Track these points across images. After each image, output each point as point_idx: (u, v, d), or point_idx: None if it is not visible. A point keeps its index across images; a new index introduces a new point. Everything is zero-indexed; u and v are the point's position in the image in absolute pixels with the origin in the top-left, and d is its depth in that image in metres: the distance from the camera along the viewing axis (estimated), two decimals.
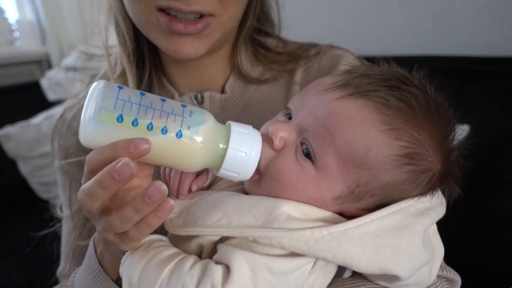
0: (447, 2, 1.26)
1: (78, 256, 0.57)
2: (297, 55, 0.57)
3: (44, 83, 1.77)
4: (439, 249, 0.40)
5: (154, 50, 0.56)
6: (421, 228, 0.36)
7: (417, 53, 1.24)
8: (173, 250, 0.37)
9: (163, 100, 0.36)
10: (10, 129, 1.52)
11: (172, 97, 0.55)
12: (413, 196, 0.37)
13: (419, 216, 0.36)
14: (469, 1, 1.20)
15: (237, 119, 0.54)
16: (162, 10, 0.47)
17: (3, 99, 1.65)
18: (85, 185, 0.34)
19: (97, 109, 0.34)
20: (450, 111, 0.39)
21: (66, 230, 0.62)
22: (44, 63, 2.03)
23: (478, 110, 0.95)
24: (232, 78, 0.56)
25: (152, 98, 0.36)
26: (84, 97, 0.56)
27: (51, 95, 1.75)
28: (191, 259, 0.36)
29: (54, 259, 1.04)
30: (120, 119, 0.34)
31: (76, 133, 0.57)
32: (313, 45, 0.59)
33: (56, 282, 0.67)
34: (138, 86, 0.53)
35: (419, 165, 0.36)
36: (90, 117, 0.34)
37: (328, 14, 1.59)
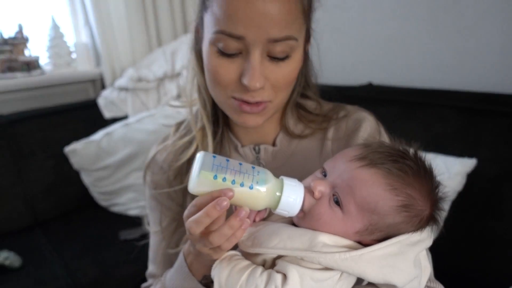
0: (465, 41, 1.40)
1: (166, 261, 0.76)
2: (329, 117, 0.73)
3: (101, 102, 1.97)
4: (427, 268, 0.56)
5: (226, 115, 0.73)
6: (413, 254, 0.53)
7: (436, 86, 1.39)
8: (247, 262, 0.56)
9: (240, 164, 0.54)
10: (76, 145, 1.71)
11: (236, 147, 0.73)
12: (408, 232, 0.54)
13: (412, 245, 0.53)
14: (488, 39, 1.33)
15: (284, 166, 0.71)
16: (237, 98, 0.64)
17: (67, 116, 1.86)
18: (194, 217, 0.52)
19: (199, 169, 0.52)
20: (435, 174, 0.56)
21: (155, 241, 0.79)
22: (97, 82, 2.23)
23: (485, 145, 1.09)
24: (281, 134, 0.73)
25: (233, 162, 0.54)
26: (172, 144, 0.75)
27: (107, 113, 1.95)
28: (260, 268, 0.54)
29: (121, 260, 1.26)
30: (215, 177, 0.52)
31: (165, 172, 0.76)
32: (342, 108, 0.75)
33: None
34: (213, 137, 0.72)
35: (412, 212, 0.53)
36: (196, 175, 0.52)
37: (354, 46, 1.74)
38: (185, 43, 2.06)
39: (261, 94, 0.62)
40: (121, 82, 2.02)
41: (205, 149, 0.71)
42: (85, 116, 1.90)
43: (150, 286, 0.77)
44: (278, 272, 0.53)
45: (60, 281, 1.28)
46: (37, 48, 2.10)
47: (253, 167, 0.54)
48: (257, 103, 0.63)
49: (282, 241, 0.54)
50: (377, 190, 0.52)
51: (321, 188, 0.54)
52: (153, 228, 0.79)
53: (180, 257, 0.64)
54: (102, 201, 1.78)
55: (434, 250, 0.96)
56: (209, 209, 0.50)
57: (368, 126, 0.70)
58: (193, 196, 0.57)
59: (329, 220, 0.54)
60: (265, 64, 0.61)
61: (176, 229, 0.76)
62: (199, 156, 0.53)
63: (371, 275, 0.51)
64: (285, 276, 0.51)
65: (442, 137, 1.17)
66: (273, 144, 0.73)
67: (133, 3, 2.09)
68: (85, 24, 2.19)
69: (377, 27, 1.62)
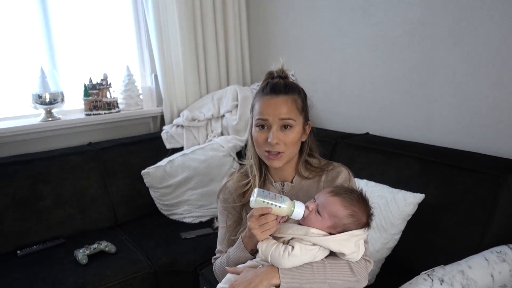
0: (431, 109, 1.95)
1: (229, 244, 1.31)
2: (323, 169, 1.29)
3: (163, 135, 2.56)
4: (362, 250, 1.11)
5: (265, 163, 1.30)
6: (354, 240, 1.08)
7: (411, 139, 1.94)
8: (275, 241, 1.13)
9: (275, 195, 1.11)
10: (149, 169, 2.28)
11: (271, 182, 1.30)
12: (354, 229, 1.10)
13: (355, 236, 1.09)
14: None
15: (296, 194, 1.25)
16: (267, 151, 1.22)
17: (139, 146, 2.45)
18: (253, 222, 1.10)
19: (256, 197, 1.10)
20: (368, 202, 1.13)
21: (222, 232, 1.35)
22: (156, 119, 2.80)
23: (432, 185, 1.63)
24: (296, 177, 1.29)
25: (272, 194, 1.11)
26: (236, 177, 1.34)
27: (168, 145, 2.52)
28: (281, 244, 1.11)
29: (184, 251, 1.83)
30: (263, 201, 1.10)
31: (231, 194, 1.33)
32: (331, 163, 1.29)
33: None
34: (259, 179, 1.29)
35: (355, 218, 1.09)
36: (254, 199, 1.10)
37: (356, 104, 2.29)
38: (229, 92, 2.67)
39: (278, 148, 1.19)
40: (178, 120, 2.59)
41: (255, 185, 1.29)
42: (151, 146, 2.49)
43: (218, 258, 1.34)
44: (290, 245, 1.10)
45: (143, 262, 1.86)
46: (115, 91, 2.67)
47: (281, 196, 1.12)
48: (277, 154, 1.20)
49: (293, 230, 1.11)
50: (337, 206, 1.09)
51: (312, 206, 1.11)
52: (221, 225, 1.36)
53: (239, 240, 1.22)
54: (164, 211, 2.33)
55: (396, 250, 1.53)
56: (261, 218, 1.09)
57: (343, 176, 1.27)
58: (249, 209, 1.16)
59: (314, 221, 1.10)
60: (279, 132, 1.19)
61: (235, 226, 1.33)
62: (256, 190, 1.11)
63: (333, 248, 1.08)
64: (293, 247, 1.09)
65: (406, 178, 1.71)
66: (291, 182, 1.31)
67: (189, 58, 2.66)
68: (151, 72, 2.83)
69: (372, 92, 2.19)
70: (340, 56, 2.30)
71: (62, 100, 2.43)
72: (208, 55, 2.77)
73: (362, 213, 1.11)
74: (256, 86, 2.75)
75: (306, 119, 1.26)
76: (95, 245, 1.88)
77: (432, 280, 1.23)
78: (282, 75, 1.26)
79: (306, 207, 1.11)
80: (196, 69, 2.75)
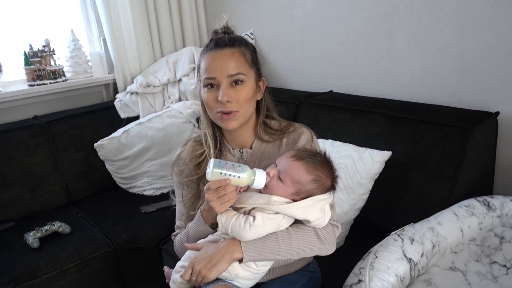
0: (394, 60, 1.87)
1: (187, 219, 1.22)
2: (284, 131, 1.19)
3: (116, 104, 2.39)
4: (328, 214, 1.04)
5: (220, 130, 1.20)
6: (319, 205, 1.01)
7: (376, 95, 1.87)
8: (235, 212, 1.03)
9: (233, 164, 1.01)
10: (102, 141, 2.13)
11: (229, 149, 1.19)
12: (318, 194, 1.02)
13: (320, 201, 1.01)
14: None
15: (257, 160, 1.16)
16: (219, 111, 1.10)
17: (90, 117, 2.27)
18: (210, 194, 0.99)
19: (212, 168, 0.99)
20: (333, 164, 1.04)
21: (179, 207, 1.25)
22: (108, 86, 2.61)
23: (399, 142, 1.58)
24: (256, 141, 1.18)
25: (229, 163, 1.00)
26: (190, 147, 1.22)
27: (122, 114, 2.36)
28: (242, 214, 1.01)
29: (144, 226, 1.72)
30: (220, 173, 0.99)
31: (186, 165, 1.22)
32: (292, 125, 1.19)
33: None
34: (214, 149, 1.18)
35: (320, 183, 1.01)
36: (210, 171, 0.99)
37: (319, 61, 2.19)
38: (185, 54, 2.50)
39: (230, 106, 1.08)
40: (132, 87, 2.42)
41: (210, 155, 1.18)
42: (105, 116, 2.32)
43: (178, 234, 1.24)
44: (251, 215, 1.01)
45: (101, 241, 1.74)
46: (60, 58, 2.45)
47: (240, 165, 1.01)
48: (229, 113, 1.09)
49: (253, 200, 1.02)
50: (300, 171, 1.00)
51: (273, 172, 1.02)
52: (178, 199, 1.25)
53: (198, 213, 1.12)
54: (123, 185, 2.21)
55: (364, 210, 1.48)
56: (219, 189, 0.98)
57: (305, 137, 1.18)
58: (206, 181, 1.04)
59: (276, 188, 1.01)
60: (229, 89, 1.08)
61: (194, 200, 1.23)
62: (212, 161, 1.00)
63: (297, 216, 1.00)
64: (254, 218, 1.00)
65: (374, 136, 1.64)
66: (250, 148, 1.21)
67: (139, 18, 2.44)
68: (99, 36, 2.60)
69: (335, 47, 2.08)
70: (300, 10, 2.17)
71: (0, 70, 2.20)
72: (160, 15, 2.56)
73: (326, 177, 1.02)
74: None
75: (258, 75, 1.15)
76: (46, 227, 1.75)
77: (403, 240, 1.18)
78: (227, 31, 1.15)
79: (267, 174, 1.02)
80: (148, 31, 2.54)
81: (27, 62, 2.32)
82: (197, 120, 2.36)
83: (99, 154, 2.17)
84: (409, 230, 1.23)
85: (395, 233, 1.23)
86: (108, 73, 2.58)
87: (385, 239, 1.21)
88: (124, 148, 2.16)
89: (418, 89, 1.79)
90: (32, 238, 1.69)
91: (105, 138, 2.16)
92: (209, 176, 1.00)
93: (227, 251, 1.01)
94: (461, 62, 1.63)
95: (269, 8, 2.33)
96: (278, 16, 2.29)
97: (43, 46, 2.37)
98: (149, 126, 2.21)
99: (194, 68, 2.45)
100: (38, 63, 2.34)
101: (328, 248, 1.06)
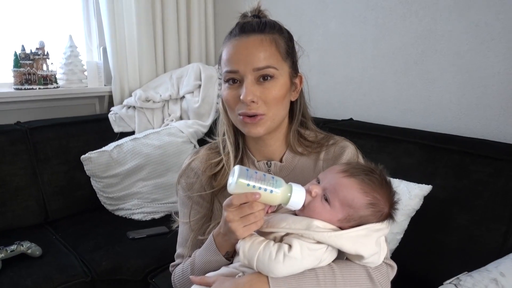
0: (430, 92, 1.69)
1: (193, 245, 0.96)
2: (322, 144, 0.97)
3: (110, 117, 2.16)
4: (384, 249, 0.81)
5: (243, 137, 0.97)
6: (375, 237, 0.77)
7: (405, 126, 1.67)
8: (262, 238, 0.79)
9: (264, 175, 0.78)
10: (91, 154, 1.89)
11: (253, 161, 0.96)
12: (373, 222, 0.79)
13: (375, 231, 0.78)
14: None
15: (288, 177, 0.93)
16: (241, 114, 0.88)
17: (80, 128, 2.03)
18: (231, 212, 0.75)
19: (237, 178, 0.75)
20: (392, 186, 0.82)
21: (184, 230, 1.00)
22: (102, 99, 2.40)
23: (439, 175, 1.37)
24: (287, 153, 0.96)
25: (259, 174, 0.77)
26: (204, 155, 0.98)
27: (115, 128, 2.13)
28: (272, 241, 0.77)
29: (131, 254, 1.45)
30: (247, 184, 0.76)
31: (198, 176, 0.98)
32: (331, 137, 0.99)
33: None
34: (235, 158, 0.94)
35: (376, 208, 0.78)
36: (234, 181, 0.75)
37: (339, 86, 2.01)
38: (191, 70, 2.31)
39: (255, 108, 0.86)
40: (130, 100, 2.23)
41: (229, 165, 0.95)
42: (96, 129, 2.08)
43: (180, 264, 0.98)
44: (285, 243, 0.77)
45: (77, 269, 1.45)
46: (54, 64, 2.24)
47: (273, 177, 0.78)
48: (254, 116, 0.87)
49: (288, 224, 0.78)
50: (353, 192, 0.77)
51: (316, 190, 0.79)
52: (183, 220, 1.00)
53: (210, 238, 0.87)
54: (108, 206, 1.94)
55: (397, 253, 1.24)
56: (249, 204, 0.75)
57: (349, 152, 0.96)
58: (222, 198, 0.84)
59: (320, 211, 0.78)
60: (255, 86, 0.86)
61: (203, 222, 0.98)
62: (237, 168, 0.76)
63: (347, 248, 0.76)
64: (290, 246, 0.75)
65: (407, 167, 1.44)
66: (280, 161, 0.98)
67: (145, 31, 2.30)
68: (99, 45, 2.43)
69: (359, 72, 1.91)
70: (322, 31, 2.01)
71: None
72: (167, 29, 2.41)
73: (385, 201, 0.80)
74: None
75: (294, 69, 0.93)
76: (13, 247, 1.46)
77: None
78: (259, 14, 0.93)
79: (308, 193, 0.78)
80: (153, 44, 2.39)
81: (17, 63, 2.14)
82: (199, 142, 2.14)
83: (85, 169, 1.92)
84: (466, 280, 0.99)
85: (450, 283, 0.98)
86: (105, 85, 2.39)
87: None
88: (115, 164, 1.91)
89: (455, 121, 1.60)
90: None
91: (95, 151, 1.93)
92: (231, 188, 0.76)
93: None
94: (506, 91, 1.45)
95: (286, 28, 2.16)
96: (297, 36, 2.12)
97: (37, 49, 2.19)
98: (145, 143, 1.98)
99: (199, 86, 2.25)
100: (29, 66, 2.15)
101: None
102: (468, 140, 1.44)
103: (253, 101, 0.85)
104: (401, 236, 1.30)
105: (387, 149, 1.53)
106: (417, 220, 1.30)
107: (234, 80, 0.87)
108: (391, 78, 1.79)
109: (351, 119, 1.91)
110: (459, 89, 1.57)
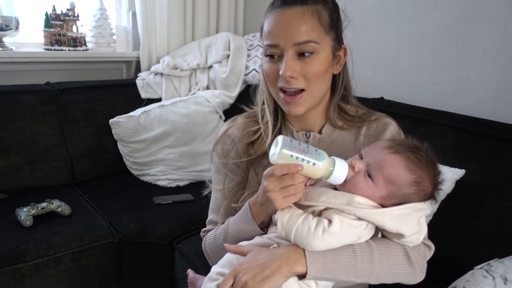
0: (467, 74, 1.64)
1: (226, 213, 0.97)
2: (363, 119, 0.96)
3: (138, 83, 2.15)
4: (425, 229, 0.80)
5: (283, 111, 0.95)
6: (417, 216, 0.76)
7: (438, 108, 1.63)
8: (301, 211, 0.79)
9: (307, 147, 0.77)
10: (119, 118, 1.90)
11: (292, 132, 0.95)
12: (416, 201, 0.78)
13: (417, 211, 0.77)
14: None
15: (326, 149, 0.91)
16: (281, 89, 0.87)
17: (108, 92, 2.04)
18: (272, 182, 0.75)
19: (280, 148, 0.75)
20: (438, 165, 0.80)
21: (217, 196, 1.00)
22: (130, 64, 2.40)
23: (473, 160, 1.34)
24: (326, 126, 0.95)
25: (303, 145, 0.76)
26: (241, 122, 0.97)
27: (143, 94, 2.13)
28: (311, 215, 0.77)
29: (157, 219, 1.47)
30: (291, 155, 0.75)
31: (235, 144, 0.97)
32: (373, 113, 0.97)
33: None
34: (273, 128, 0.94)
35: (420, 187, 0.77)
36: (278, 152, 0.74)
37: (373, 64, 1.96)
38: (220, 40, 2.28)
39: (295, 83, 0.85)
40: (158, 67, 2.21)
41: (267, 134, 0.94)
42: (124, 93, 2.09)
43: (212, 230, 0.99)
44: (324, 218, 0.76)
45: (105, 229, 1.48)
46: (84, 26, 2.25)
47: (316, 150, 0.77)
48: (295, 94, 0.86)
49: (328, 198, 0.77)
50: (398, 169, 0.76)
51: (360, 165, 0.78)
52: (217, 187, 1.00)
53: (245, 207, 0.87)
54: (134, 171, 1.97)
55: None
56: (290, 175, 0.75)
57: (392, 129, 0.94)
58: (258, 167, 0.87)
59: (363, 187, 0.77)
60: (295, 61, 0.84)
61: (238, 190, 0.98)
62: (281, 138, 0.75)
63: (388, 226, 0.75)
64: (330, 221, 0.75)
65: (440, 150, 1.40)
66: (319, 132, 0.96)
67: None
68: (128, 10, 2.40)
69: (394, 50, 1.86)
70: (358, 5, 1.95)
71: (17, 28, 2.02)
72: None
73: (429, 180, 0.78)
74: (252, 36, 2.37)
75: (338, 42, 0.90)
76: (44, 204, 1.49)
77: (494, 278, 0.93)
78: None
79: (351, 167, 0.77)
80: (182, 12, 2.35)
81: (47, 24, 2.13)
82: (224, 112, 2.13)
83: (113, 132, 1.93)
84: (498, 266, 0.98)
85: (480, 268, 0.97)
86: (132, 50, 2.38)
87: (469, 274, 0.96)
88: (142, 129, 1.92)
89: (491, 106, 1.55)
90: (25, 214, 1.43)
91: (122, 116, 1.94)
92: (274, 158, 0.75)
93: (286, 261, 0.76)
94: None
95: None
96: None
97: (67, 10, 2.19)
98: (172, 110, 1.98)
99: (228, 56, 2.22)
100: (59, 27, 2.15)
101: (417, 274, 0.81)
102: (504, 126, 1.40)
103: (292, 77, 0.84)
104: (430, 218, 1.28)
105: (419, 131, 1.50)
106: (448, 204, 1.28)
107: (273, 55, 0.86)
108: (427, 58, 1.74)
109: (382, 98, 1.88)
110: (499, 73, 1.52)
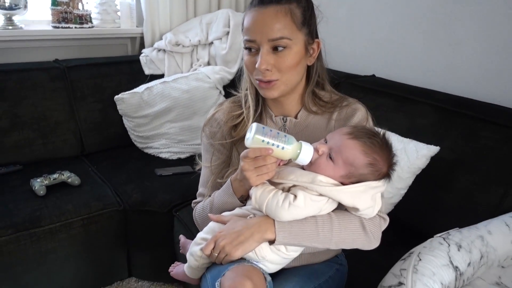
0: (453, 54, 1.71)
1: (213, 187, 1.09)
2: (335, 105, 1.05)
3: (142, 59, 2.25)
4: (379, 204, 0.91)
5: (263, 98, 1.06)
6: (371, 193, 0.88)
7: (424, 86, 1.71)
8: (272, 187, 0.91)
9: (278, 133, 0.88)
10: (124, 95, 2.01)
11: (271, 116, 1.06)
12: (371, 180, 0.89)
13: (372, 188, 0.88)
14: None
15: (301, 133, 1.03)
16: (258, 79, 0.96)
17: (113, 68, 2.14)
18: (247, 163, 0.86)
19: (253, 134, 0.86)
20: (393, 148, 0.91)
21: (206, 172, 1.12)
22: (134, 40, 2.46)
23: (449, 138, 1.43)
24: (302, 111, 1.05)
25: (274, 131, 0.87)
26: (227, 107, 1.08)
27: (146, 70, 2.22)
28: (280, 191, 0.89)
29: (159, 189, 1.59)
30: (262, 140, 0.86)
31: (220, 127, 1.08)
32: (345, 99, 1.06)
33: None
34: (254, 112, 1.04)
35: (375, 168, 0.88)
36: (251, 137, 0.85)
37: (364, 43, 2.02)
38: (220, 16, 2.35)
39: (269, 75, 0.95)
40: (160, 44, 2.29)
41: (248, 117, 1.05)
42: (128, 70, 2.19)
43: (200, 202, 1.12)
44: (291, 193, 0.88)
45: (112, 198, 1.63)
46: (89, 3, 2.32)
47: (285, 135, 0.88)
48: (269, 82, 0.96)
49: (296, 176, 0.89)
50: (355, 152, 0.87)
51: (323, 149, 0.89)
52: (205, 164, 1.13)
53: (228, 182, 0.99)
54: (138, 144, 2.09)
55: (399, 207, 1.34)
56: (258, 159, 0.86)
57: (360, 115, 1.04)
58: (241, 147, 0.94)
59: (325, 167, 0.88)
60: (270, 55, 0.93)
61: (223, 167, 1.10)
62: (254, 125, 0.86)
63: (345, 201, 0.87)
64: (295, 196, 0.87)
65: (420, 128, 1.50)
66: (295, 117, 1.07)
67: None
68: None
69: (385, 30, 1.92)
70: None
71: (25, 6, 2.10)
72: None
73: (383, 162, 0.89)
74: None
75: (311, 36, 0.99)
76: (55, 175, 1.64)
77: (449, 245, 1.05)
78: None
79: (315, 150, 0.88)
80: None
81: (54, 2, 2.21)
82: (224, 88, 2.22)
83: (118, 108, 2.05)
84: (455, 235, 1.09)
85: (439, 236, 1.09)
86: (136, 26, 2.45)
87: (428, 241, 1.07)
88: (145, 105, 2.04)
89: (476, 85, 1.63)
90: (39, 184, 1.58)
91: (127, 92, 2.04)
92: (248, 142, 0.87)
93: (258, 229, 0.88)
94: None
95: None
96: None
97: None
98: (174, 87, 2.08)
99: (228, 32, 2.30)
100: (65, 4, 2.22)
101: (372, 242, 0.94)
102: (483, 105, 1.49)
103: (267, 69, 0.94)
104: (405, 191, 1.40)
105: (403, 109, 1.59)
106: (422, 178, 1.39)
107: (252, 47, 0.96)
108: (416, 38, 1.80)
109: (373, 75, 1.95)
110: (484, 54, 1.59)
